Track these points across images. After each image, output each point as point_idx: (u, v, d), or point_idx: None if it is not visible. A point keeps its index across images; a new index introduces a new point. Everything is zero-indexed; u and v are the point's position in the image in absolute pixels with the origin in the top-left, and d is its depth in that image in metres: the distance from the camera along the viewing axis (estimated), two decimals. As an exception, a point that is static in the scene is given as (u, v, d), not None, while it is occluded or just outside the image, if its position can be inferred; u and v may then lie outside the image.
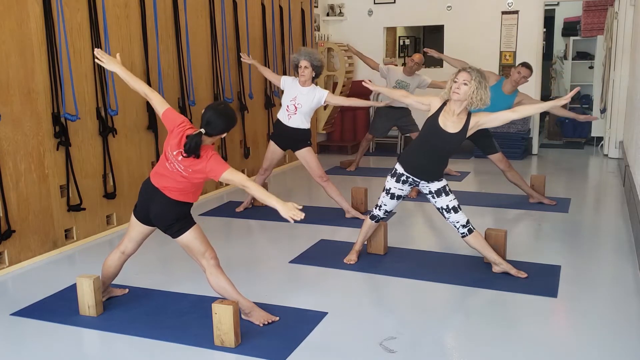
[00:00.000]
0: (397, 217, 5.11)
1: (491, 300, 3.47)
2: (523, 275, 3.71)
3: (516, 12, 8.00)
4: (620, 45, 7.53)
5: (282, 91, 5.16)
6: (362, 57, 6.90)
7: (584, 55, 10.07)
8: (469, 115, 3.60)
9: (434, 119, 3.64)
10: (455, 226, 3.78)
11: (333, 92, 8.25)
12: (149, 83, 5.00)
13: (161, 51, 5.15)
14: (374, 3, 8.72)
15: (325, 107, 8.22)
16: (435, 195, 3.77)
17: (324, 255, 4.23)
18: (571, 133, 8.96)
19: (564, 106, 4.37)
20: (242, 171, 6.55)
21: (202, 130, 2.93)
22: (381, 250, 4.19)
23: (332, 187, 5.13)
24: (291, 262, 4.11)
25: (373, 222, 4.01)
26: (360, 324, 3.14)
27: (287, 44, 7.27)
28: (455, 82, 3.51)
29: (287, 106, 5.02)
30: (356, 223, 4.71)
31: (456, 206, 3.75)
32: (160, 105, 3.14)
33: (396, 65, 7.25)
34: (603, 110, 8.13)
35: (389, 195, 3.86)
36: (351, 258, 4.05)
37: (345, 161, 7.53)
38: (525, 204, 5.48)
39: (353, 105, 5.26)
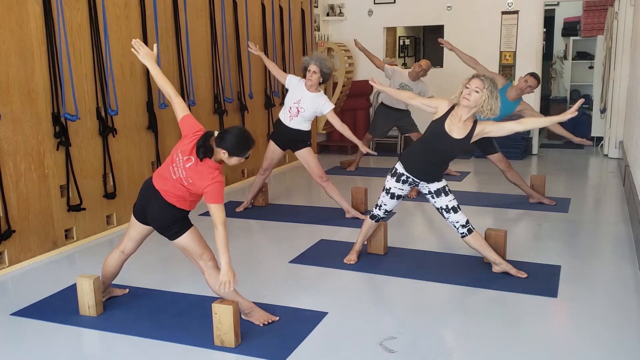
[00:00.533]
0: (397, 217, 5.11)
1: (491, 300, 3.47)
2: (523, 275, 3.71)
3: (516, 12, 8.00)
4: (620, 45, 7.53)
5: (287, 90, 5.13)
6: (369, 54, 6.89)
7: (584, 55, 10.07)
8: (475, 122, 3.58)
9: (440, 122, 3.61)
10: (454, 226, 3.77)
11: (333, 92, 8.27)
12: (148, 83, 5.00)
13: (161, 51, 5.15)
14: (374, 3, 8.72)
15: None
16: (434, 195, 3.77)
17: (324, 255, 4.23)
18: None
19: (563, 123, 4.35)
20: (242, 171, 6.57)
21: (215, 133, 2.93)
22: (381, 250, 4.19)
23: (332, 187, 5.13)
24: (291, 262, 4.11)
25: (373, 222, 4.01)
26: (360, 324, 3.14)
27: (287, 44, 7.27)
28: (467, 87, 3.48)
29: (290, 108, 5.01)
30: (356, 223, 4.71)
31: (455, 206, 3.75)
32: (182, 110, 3.12)
33: (396, 66, 7.25)
34: (603, 110, 8.14)
35: (389, 195, 3.86)
36: (351, 258, 4.05)
37: (345, 161, 7.54)
38: (525, 204, 5.49)
39: (344, 133, 4.99)
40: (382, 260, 4.11)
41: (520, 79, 5.30)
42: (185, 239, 3.08)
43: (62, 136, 4.26)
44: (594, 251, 4.31)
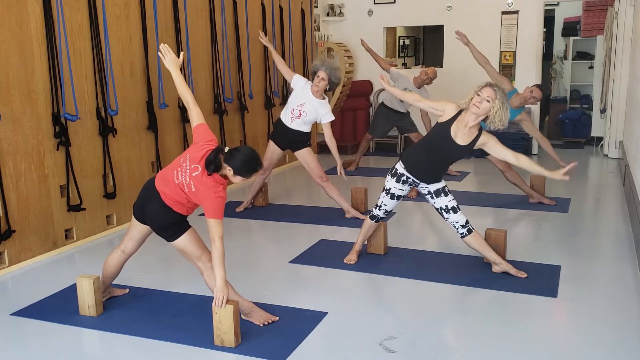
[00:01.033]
0: (397, 217, 5.11)
1: (491, 300, 3.47)
2: (523, 275, 3.71)
3: (516, 12, 8.00)
4: (620, 45, 7.53)
5: (291, 90, 5.11)
6: (375, 55, 6.87)
7: (584, 55, 10.06)
8: (480, 130, 3.58)
9: (445, 126, 3.59)
10: (454, 226, 3.77)
11: (333, 92, 8.26)
12: (148, 83, 5.01)
13: (161, 51, 5.15)
14: (374, 3, 8.72)
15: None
16: (434, 196, 3.77)
17: (324, 255, 4.23)
18: (571, 133, 8.96)
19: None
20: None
21: (226, 148, 2.92)
22: (381, 250, 4.19)
23: (331, 187, 5.13)
24: (291, 262, 4.11)
25: (373, 222, 4.01)
26: (360, 324, 3.14)
27: (287, 44, 7.27)
28: (478, 95, 3.46)
29: (293, 109, 5.00)
30: (356, 223, 4.71)
31: (455, 206, 3.75)
32: (198, 119, 3.12)
33: (396, 66, 7.25)
34: (603, 110, 8.14)
35: (389, 195, 3.86)
36: (351, 258, 4.06)
37: (345, 161, 7.50)
38: (525, 204, 5.49)
39: (329, 145, 5.02)
40: (382, 260, 4.11)
41: (526, 89, 5.26)
42: (183, 241, 3.07)
43: (62, 136, 4.26)
44: (594, 251, 4.31)
